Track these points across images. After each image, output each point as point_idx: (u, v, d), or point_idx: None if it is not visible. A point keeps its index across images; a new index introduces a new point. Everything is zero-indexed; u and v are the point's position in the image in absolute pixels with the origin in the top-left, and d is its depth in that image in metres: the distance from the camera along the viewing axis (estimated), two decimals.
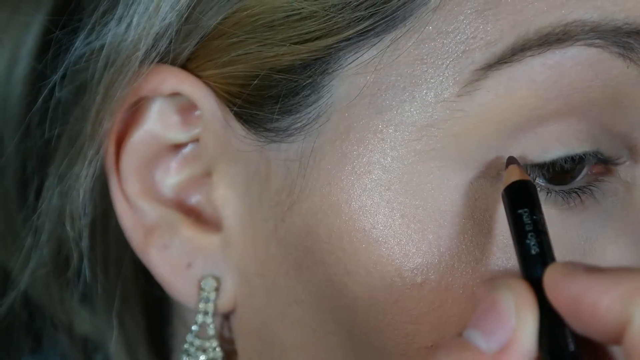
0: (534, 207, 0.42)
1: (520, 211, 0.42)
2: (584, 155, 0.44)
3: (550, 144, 0.43)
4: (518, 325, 0.39)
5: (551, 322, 0.39)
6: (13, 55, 0.56)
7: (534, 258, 0.41)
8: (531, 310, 0.39)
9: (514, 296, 0.39)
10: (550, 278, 0.40)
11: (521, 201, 0.42)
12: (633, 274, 0.38)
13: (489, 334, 0.39)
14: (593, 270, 0.39)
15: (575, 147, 0.44)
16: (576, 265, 0.39)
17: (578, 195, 0.45)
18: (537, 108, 0.43)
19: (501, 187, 0.43)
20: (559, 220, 0.44)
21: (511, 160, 0.44)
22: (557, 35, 0.42)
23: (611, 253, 0.45)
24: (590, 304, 0.38)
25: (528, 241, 0.41)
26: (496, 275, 0.44)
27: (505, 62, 0.42)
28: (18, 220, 0.56)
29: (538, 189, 0.44)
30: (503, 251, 0.44)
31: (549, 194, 0.44)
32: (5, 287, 0.54)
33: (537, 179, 0.44)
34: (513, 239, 0.42)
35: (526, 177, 0.43)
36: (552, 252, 0.41)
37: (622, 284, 0.37)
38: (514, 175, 0.43)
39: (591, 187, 0.45)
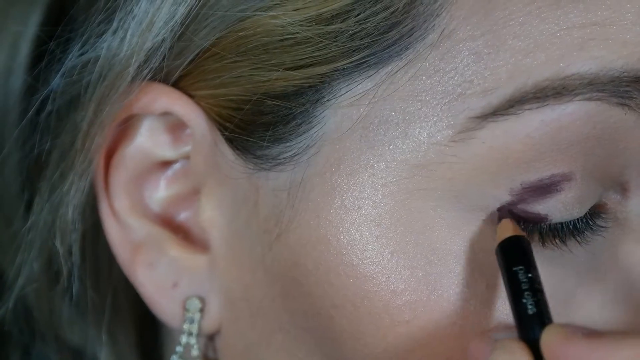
0: (529, 265, 0.41)
1: (515, 269, 0.41)
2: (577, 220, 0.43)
3: (554, 209, 0.43)
4: None
5: None
6: (7, 63, 0.55)
7: (531, 318, 0.40)
8: None
9: (511, 358, 0.39)
10: (549, 341, 0.39)
11: (516, 258, 0.42)
12: (632, 339, 0.38)
13: None
14: (592, 334, 0.39)
15: (574, 213, 0.43)
16: (575, 329, 0.39)
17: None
18: (532, 161, 0.42)
19: (494, 242, 0.42)
20: (547, 256, 0.44)
21: (503, 214, 0.42)
22: (556, 89, 0.41)
23: (596, 294, 0.45)
24: None
25: (524, 300, 0.41)
26: (484, 315, 0.43)
27: (502, 115, 0.41)
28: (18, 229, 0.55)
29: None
30: (493, 291, 0.43)
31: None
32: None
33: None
34: (508, 297, 0.42)
35: (520, 233, 0.42)
36: (548, 311, 0.41)
37: (621, 349, 0.37)
38: (507, 230, 0.42)
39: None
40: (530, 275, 0.41)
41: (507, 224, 0.42)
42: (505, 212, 0.42)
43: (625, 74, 0.41)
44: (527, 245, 0.42)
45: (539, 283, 0.41)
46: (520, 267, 0.41)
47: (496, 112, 0.41)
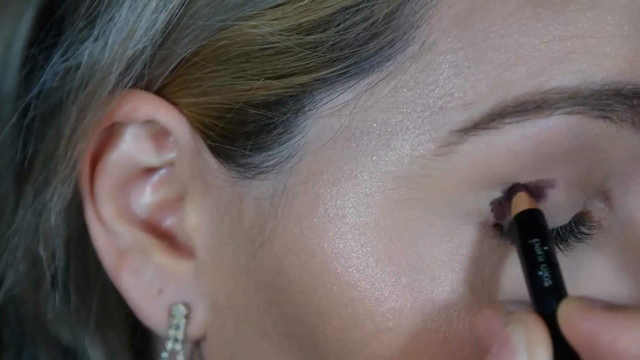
0: (545, 238, 0.41)
1: (531, 241, 0.41)
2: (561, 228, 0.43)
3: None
4: None
5: (565, 359, 0.38)
6: (2, 59, 0.55)
7: (547, 291, 0.40)
8: (544, 346, 0.38)
9: (526, 331, 0.39)
10: (567, 313, 0.39)
11: (532, 231, 0.41)
12: None
13: None
14: (611, 307, 0.38)
15: (557, 221, 0.43)
16: (593, 301, 0.39)
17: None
18: (515, 171, 0.42)
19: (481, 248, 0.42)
20: None
21: (518, 188, 0.42)
22: (536, 104, 0.40)
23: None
24: (609, 341, 0.37)
25: (540, 273, 0.40)
26: (469, 321, 0.43)
27: (483, 129, 0.41)
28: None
29: None
30: (478, 298, 0.43)
31: None
32: None
33: None
34: (523, 270, 0.41)
35: (536, 206, 0.42)
36: (564, 285, 0.40)
37: None
38: (523, 203, 0.42)
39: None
40: (546, 248, 0.41)
41: (522, 196, 0.42)
42: (520, 186, 0.42)
43: (605, 87, 0.40)
44: (542, 219, 0.42)
45: (555, 257, 0.41)
46: (537, 239, 0.41)
47: (477, 126, 0.41)
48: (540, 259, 0.40)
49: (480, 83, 0.41)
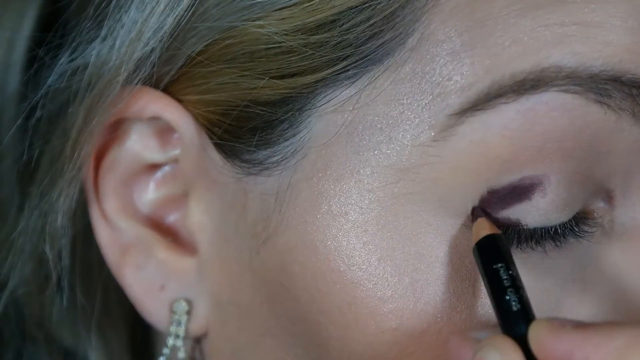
0: (509, 262, 0.42)
1: (495, 267, 0.41)
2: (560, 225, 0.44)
3: (527, 213, 0.43)
4: None
5: None
6: (4, 62, 0.55)
7: (516, 314, 0.40)
8: None
9: (501, 354, 0.39)
10: (538, 334, 0.39)
11: (496, 256, 0.42)
12: (624, 328, 0.37)
13: None
14: (581, 326, 0.38)
15: (553, 218, 0.43)
16: (563, 321, 0.39)
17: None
18: (510, 155, 0.42)
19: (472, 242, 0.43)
20: (529, 265, 0.44)
21: (478, 213, 0.43)
22: (532, 82, 0.41)
23: (584, 300, 0.45)
24: (582, 359, 0.37)
25: (508, 297, 0.41)
26: (470, 322, 0.43)
27: (479, 109, 0.41)
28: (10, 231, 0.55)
29: None
30: (480, 299, 0.43)
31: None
32: None
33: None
34: (490, 295, 0.42)
35: (496, 231, 0.42)
36: (531, 307, 0.41)
37: (615, 338, 0.37)
38: (483, 229, 0.42)
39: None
40: (511, 272, 0.41)
41: (482, 222, 0.42)
42: (480, 211, 0.43)
43: (604, 72, 0.41)
44: (504, 243, 0.42)
45: (520, 280, 0.41)
46: (501, 264, 0.41)
47: (474, 107, 0.41)
48: (507, 283, 0.41)
49: (476, 66, 0.41)
